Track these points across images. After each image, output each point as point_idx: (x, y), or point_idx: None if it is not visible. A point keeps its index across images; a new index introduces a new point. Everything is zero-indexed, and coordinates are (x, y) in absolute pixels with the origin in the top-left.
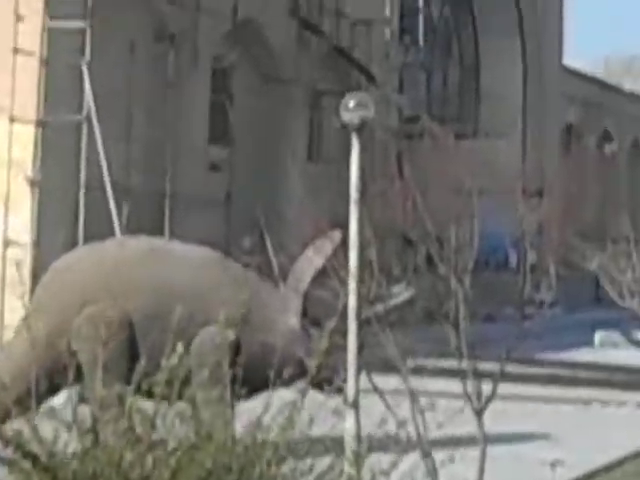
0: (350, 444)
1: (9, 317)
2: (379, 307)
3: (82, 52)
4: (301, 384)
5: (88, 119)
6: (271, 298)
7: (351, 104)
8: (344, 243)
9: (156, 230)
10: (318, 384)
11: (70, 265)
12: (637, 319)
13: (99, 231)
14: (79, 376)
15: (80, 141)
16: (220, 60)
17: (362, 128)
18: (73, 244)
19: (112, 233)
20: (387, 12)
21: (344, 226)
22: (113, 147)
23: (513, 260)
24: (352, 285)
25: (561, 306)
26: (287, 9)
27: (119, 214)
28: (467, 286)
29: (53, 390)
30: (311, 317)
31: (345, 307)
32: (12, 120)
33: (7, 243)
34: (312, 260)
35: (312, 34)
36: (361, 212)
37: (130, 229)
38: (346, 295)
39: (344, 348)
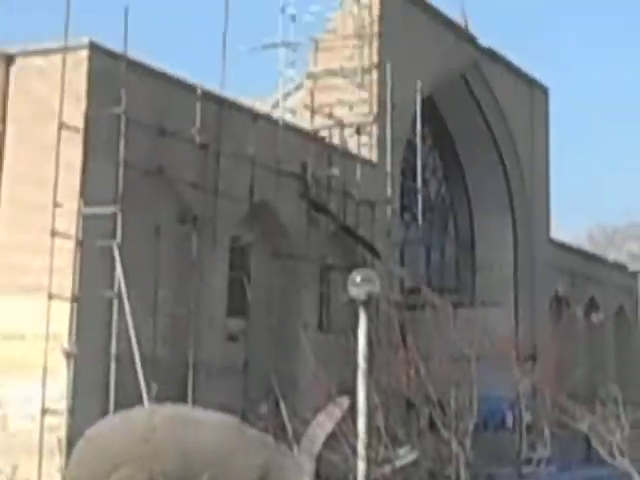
0: None
1: (46, 478)
2: (386, 468)
3: (113, 234)
4: None
5: (119, 296)
6: (286, 461)
7: (358, 280)
8: (352, 408)
9: (180, 396)
10: None
11: (102, 433)
12: (628, 477)
13: (129, 399)
14: None
15: (111, 316)
16: (238, 240)
17: (369, 302)
18: (105, 411)
19: (141, 401)
20: (388, 193)
21: (352, 392)
22: (142, 321)
23: (510, 421)
24: (361, 450)
25: (555, 464)
26: (298, 192)
27: (147, 383)
28: (468, 449)
29: None
30: (324, 478)
31: (354, 469)
32: (50, 297)
33: (45, 411)
34: (323, 425)
35: (321, 214)
36: (368, 380)
37: (157, 396)
38: (355, 458)
39: None
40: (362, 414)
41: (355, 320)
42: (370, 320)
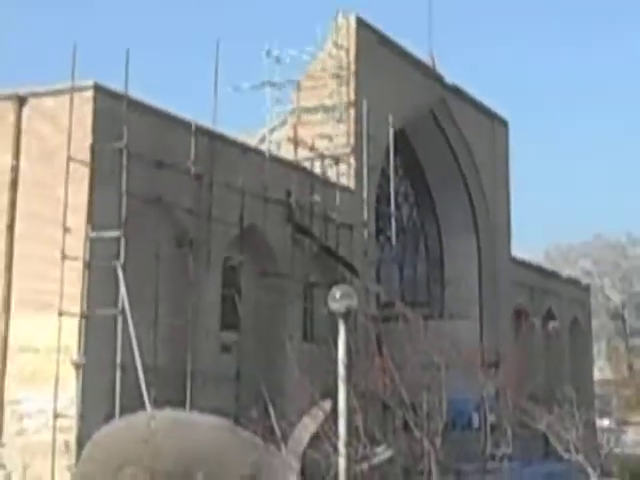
0: None
1: (58, 477)
2: (365, 465)
3: (117, 256)
4: None
5: (123, 312)
6: (275, 460)
7: (338, 295)
8: (334, 411)
9: (179, 402)
10: None
11: (108, 435)
12: (583, 471)
13: (132, 404)
14: None
15: (116, 330)
16: (229, 260)
17: (348, 315)
18: (111, 416)
19: (143, 406)
20: (365, 217)
21: (334, 396)
22: (143, 334)
23: (476, 422)
24: (341, 449)
25: (517, 460)
26: (283, 217)
27: (148, 390)
28: (438, 446)
29: None
30: (308, 475)
31: (335, 466)
32: (60, 314)
33: (57, 415)
34: (308, 426)
35: (304, 236)
36: (348, 385)
37: (158, 402)
38: (336, 456)
39: None
40: (342, 416)
41: (336, 332)
42: (349, 331)
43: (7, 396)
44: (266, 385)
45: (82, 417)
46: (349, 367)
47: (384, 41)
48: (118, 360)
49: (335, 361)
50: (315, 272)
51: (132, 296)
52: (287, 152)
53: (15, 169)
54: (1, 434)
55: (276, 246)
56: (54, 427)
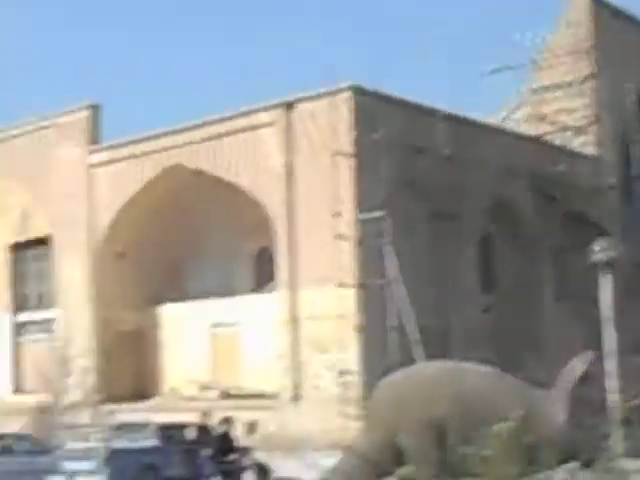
0: None
1: (342, 424)
2: (638, 401)
3: (382, 233)
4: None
5: (392, 282)
6: (540, 400)
7: (599, 247)
8: (600, 358)
9: (445, 358)
10: (586, 463)
11: (391, 382)
12: None
13: (406, 361)
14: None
15: (387, 298)
16: (483, 230)
17: (610, 265)
18: (388, 371)
19: (414, 362)
20: (610, 181)
21: (596, 348)
22: (412, 299)
23: None
24: (612, 384)
25: None
26: (530, 187)
27: (421, 347)
28: None
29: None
30: (578, 413)
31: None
32: (339, 286)
33: (342, 372)
34: (576, 367)
35: (551, 203)
36: (615, 325)
37: (427, 358)
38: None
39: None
40: (612, 354)
41: (592, 287)
42: (611, 283)
43: (301, 358)
44: (525, 340)
45: (364, 373)
46: (614, 311)
47: (617, 14)
48: (388, 323)
49: (591, 316)
50: (564, 236)
51: (399, 267)
52: (528, 129)
53: (289, 165)
54: (301, 389)
55: (525, 214)
56: (341, 382)
